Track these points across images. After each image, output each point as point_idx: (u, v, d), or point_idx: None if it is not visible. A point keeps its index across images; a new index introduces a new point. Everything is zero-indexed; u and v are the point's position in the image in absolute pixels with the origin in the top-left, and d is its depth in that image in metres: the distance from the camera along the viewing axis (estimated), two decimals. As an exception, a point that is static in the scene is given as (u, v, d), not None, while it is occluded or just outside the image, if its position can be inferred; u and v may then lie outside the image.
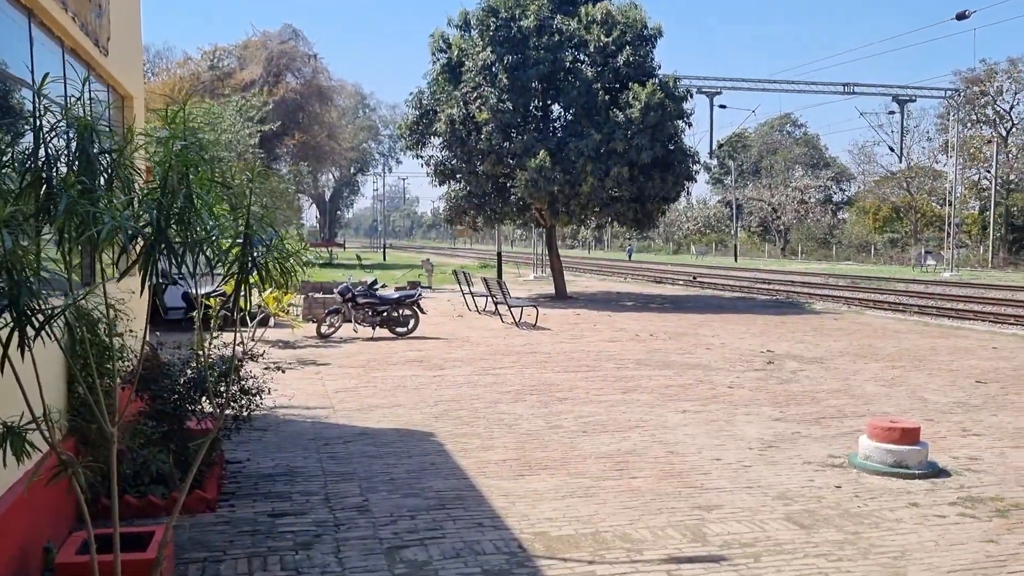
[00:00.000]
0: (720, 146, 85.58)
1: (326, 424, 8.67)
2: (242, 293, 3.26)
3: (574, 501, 6.17)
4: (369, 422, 8.75)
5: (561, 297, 27.09)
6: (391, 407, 9.53)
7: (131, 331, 5.64)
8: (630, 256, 75.43)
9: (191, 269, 3.00)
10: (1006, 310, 23.07)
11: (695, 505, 6.11)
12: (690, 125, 25.63)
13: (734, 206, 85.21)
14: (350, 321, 16.36)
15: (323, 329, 15.96)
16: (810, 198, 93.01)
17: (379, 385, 10.97)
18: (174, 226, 2.86)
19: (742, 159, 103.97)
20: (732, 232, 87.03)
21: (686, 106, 25.08)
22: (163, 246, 2.82)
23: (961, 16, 31.48)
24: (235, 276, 3.18)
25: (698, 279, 40.41)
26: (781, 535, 5.50)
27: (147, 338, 7.72)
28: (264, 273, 3.15)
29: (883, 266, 63.34)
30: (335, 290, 17.36)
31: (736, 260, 73.09)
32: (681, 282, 39.60)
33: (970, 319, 21.25)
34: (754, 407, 9.76)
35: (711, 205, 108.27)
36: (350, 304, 16.19)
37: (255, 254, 3.09)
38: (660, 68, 25.22)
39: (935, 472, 6.94)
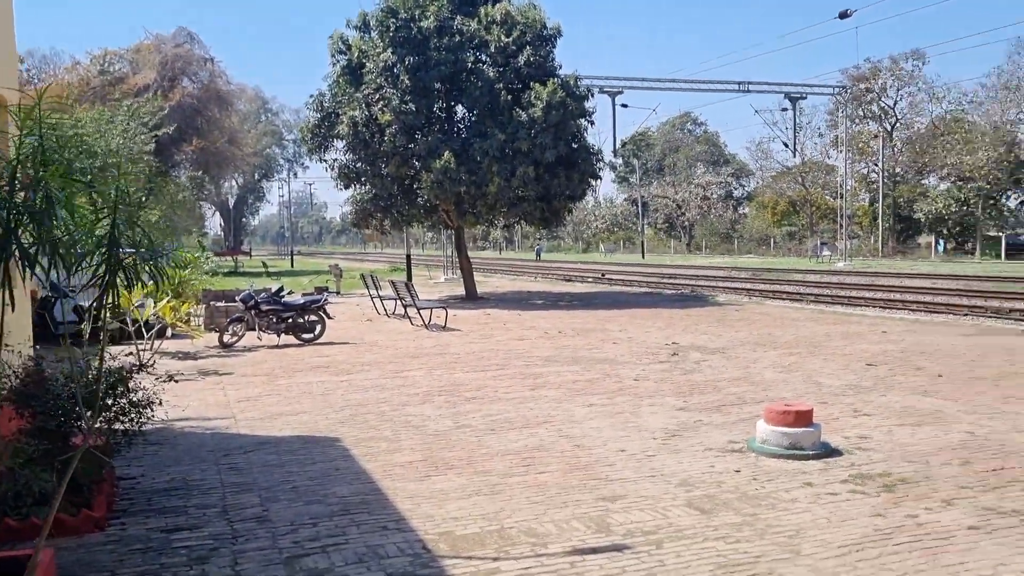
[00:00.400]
0: (624, 145, 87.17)
1: (227, 435, 8.41)
2: (110, 297, 3.10)
3: (480, 499, 6.14)
4: (272, 431, 8.54)
5: (471, 298, 27.09)
6: (296, 414, 9.32)
7: (7, 346, 5.34)
8: (539, 256, 76.04)
9: (46, 271, 2.83)
10: (894, 296, 24.22)
11: (600, 496, 6.17)
12: (592, 124, 26.06)
13: (639, 204, 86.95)
14: (254, 329, 15.95)
15: (226, 338, 15.52)
16: (712, 194, 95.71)
17: (284, 393, 10.72)
18: (28, 226, 2.69)
19: (646, 157, 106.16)
20: (639, 229, 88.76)
21: (588, 105, 25.49)
22: (14, 247, 2.65)
23: (843, 15, 32.94)
24: (100, 280, 3.02)
25: (606, 276, 41.02)
26: (682, 521, 5.60)
27: (30, 353, 7.33)
28: (132, 276, 3.01)
29: (782, 258, 65.67)
30: (237, 297, 16.90)
31: (643, 256, 74.60)
32: (590, 279, 40.14)
33: (862, 305, 22.21)
34: (658, 398, 9.95)
35: (618, 203, 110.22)
36: (253, 312, 15.78)
37: (122, 256, 2.93)
38: (561, 68, 25.56)
39: (828, 452, 7.19)
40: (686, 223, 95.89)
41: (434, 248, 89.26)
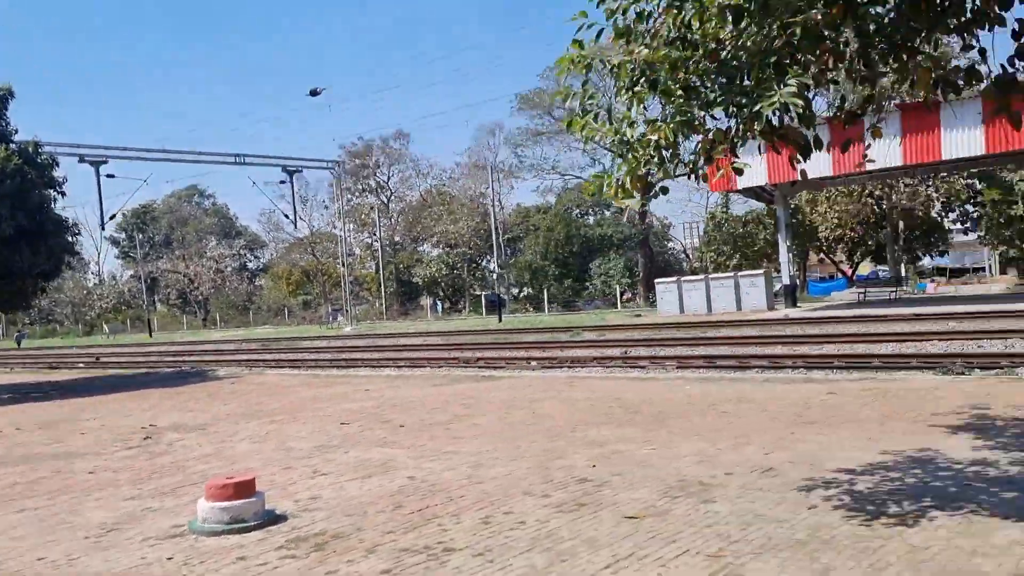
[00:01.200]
0: (122, 217, 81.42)
1: None
2: None
3: None
4: None
5: (-87, 401, 22.41)
6: None
7: None
8: (19, 344, 66.69)
9: None
10: (386, 355, 25.85)
11: (-12, 622, 5.24)
12: (63, 195, 23.61)
13: (144, 280, 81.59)
14: None
15: None
16: (226, 267, 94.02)
17: None
18: None
19: (152, 231, 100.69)
20: (147, 306, 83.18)
21: (56, 174, 23.09)
22: None
23: (313, 92, 34.98)
24: None
25: (101, 359, 37.45)
26: (84, 629, 4.98)
27: None
28: None
29: (297, 327, 66.61)
30: None
31: (151, 335, 69.80)
32: (81, 365, 36.17)
33: (358, 366, 23.26)
34: (111, 489, 9.02)
35: (124, 280, 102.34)
36: None
37: None
38: (17, 133, 22.81)
39: (272, 520, 7.09)
40: (200, 297, 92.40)
41: None
